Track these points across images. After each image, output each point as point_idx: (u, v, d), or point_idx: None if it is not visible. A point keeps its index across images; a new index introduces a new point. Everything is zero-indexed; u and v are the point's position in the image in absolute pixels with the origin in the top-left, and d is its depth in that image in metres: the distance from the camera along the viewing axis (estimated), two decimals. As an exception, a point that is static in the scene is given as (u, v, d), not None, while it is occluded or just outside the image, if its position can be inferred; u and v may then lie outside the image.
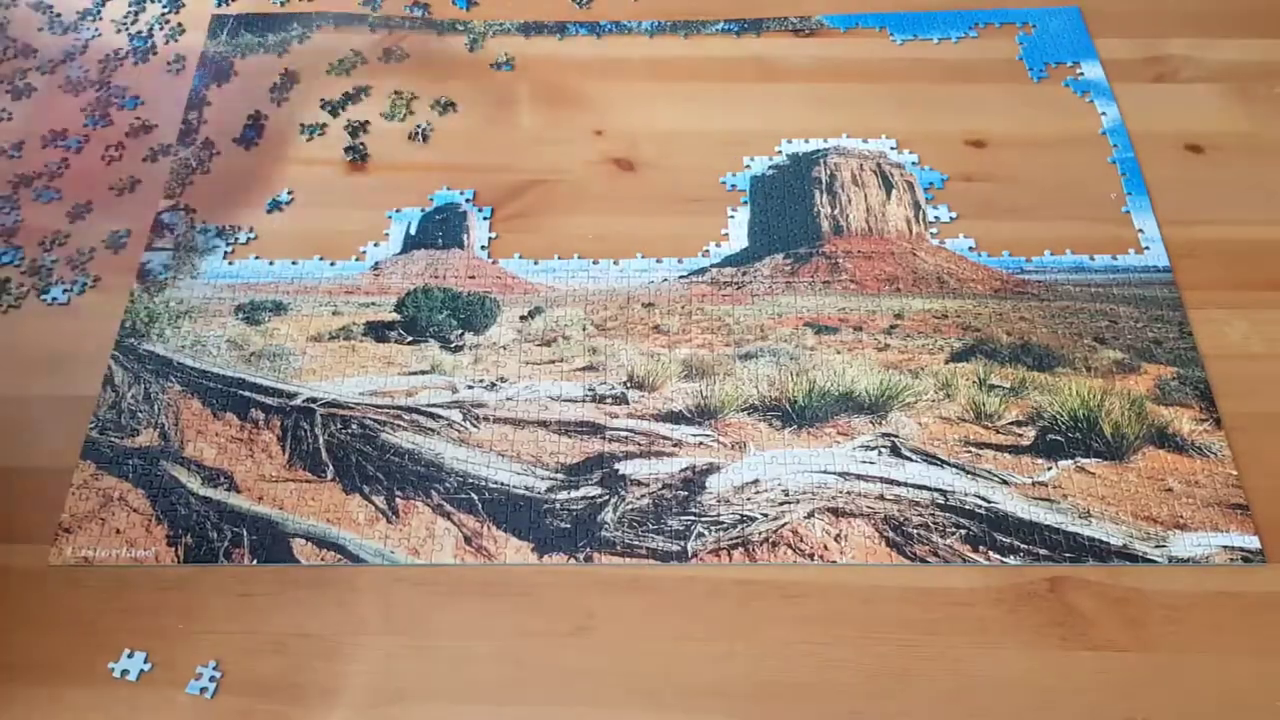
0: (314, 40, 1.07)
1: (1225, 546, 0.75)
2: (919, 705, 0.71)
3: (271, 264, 0.91)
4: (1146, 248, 0.91)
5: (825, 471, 0.79)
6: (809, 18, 1.09)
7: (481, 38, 1.08)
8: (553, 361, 0.85)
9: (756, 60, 1.06)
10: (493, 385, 0.84)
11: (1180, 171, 0.96)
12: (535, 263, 0.91)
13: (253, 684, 0.72)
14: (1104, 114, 1.00)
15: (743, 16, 1.09)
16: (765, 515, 0.77)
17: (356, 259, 0.92)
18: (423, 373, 0.85)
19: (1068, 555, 0.75)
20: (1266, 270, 0.90)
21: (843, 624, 0.73)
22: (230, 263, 0.91)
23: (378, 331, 0.87)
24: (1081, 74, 1.03)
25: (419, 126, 1.00)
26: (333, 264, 0.91)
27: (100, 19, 1.09)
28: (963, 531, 0.76)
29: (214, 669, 0.72)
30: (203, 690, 0.71)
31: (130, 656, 0.72)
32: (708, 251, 0.92)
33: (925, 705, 0.71)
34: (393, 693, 0.71)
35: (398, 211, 0.95)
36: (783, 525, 0.76)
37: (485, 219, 0.94)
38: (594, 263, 0.91)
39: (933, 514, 0.77)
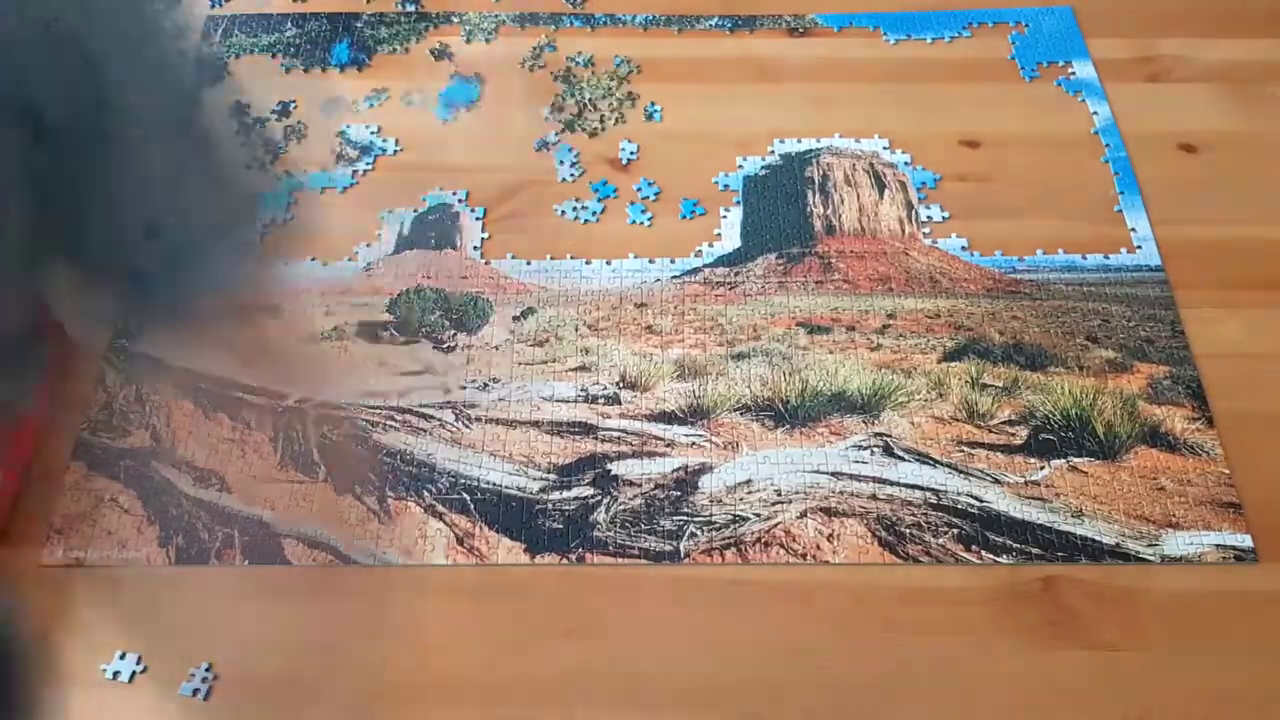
0: (308, 39, 1.07)
1: (1218, 545, 0.75)
2: (912, 705, 0.71)
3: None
4: (1139, 247, 0.91)
5: (818, 471, 0.79)
6: (803, 16, 1.09)
7: (477, 30, 1.08)
8: (545, 362, 0.85)
9: (750, 60, 1.06)
10: (485, 385, 0.84)
11: (1173, 171, 0.96)
12: (528, 263, 0.91)
13: (246, 685, 0.71)
14: (1096, 113, 1.00)
15: (736, 13, 1.09)
16: (758, 515, 0.77)
17: (349, 260, 0.92)
18: (415, 373, 0.85)
19: (1060, 554, 0.75)
20: (1259, 270, 0.90)
21: (835, 624, 0.73)
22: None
23: (370, 332, 0.87)
24: (1074, 73, 1.03)
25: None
26: (325, 264, 0.91)
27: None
28: (955, 531, 0.76)
29: (206, 670, 0.72)
30: (195, 692, 0.71)
31: (122, 658, 0.72)
32: (700, 251, 0.92)
33: (919, 705, 0.71)
34: (386, 694, 0.71)
35: (390, 212, 0.95)
36: (775, 525, 0.76)
37: (478, 219, 0.94)
38: (586, 263, 0.91)
39: (925, 513, 0.77)
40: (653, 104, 1.02)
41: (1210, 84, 1.02)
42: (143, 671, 0.72)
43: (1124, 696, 0.71)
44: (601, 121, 1.00)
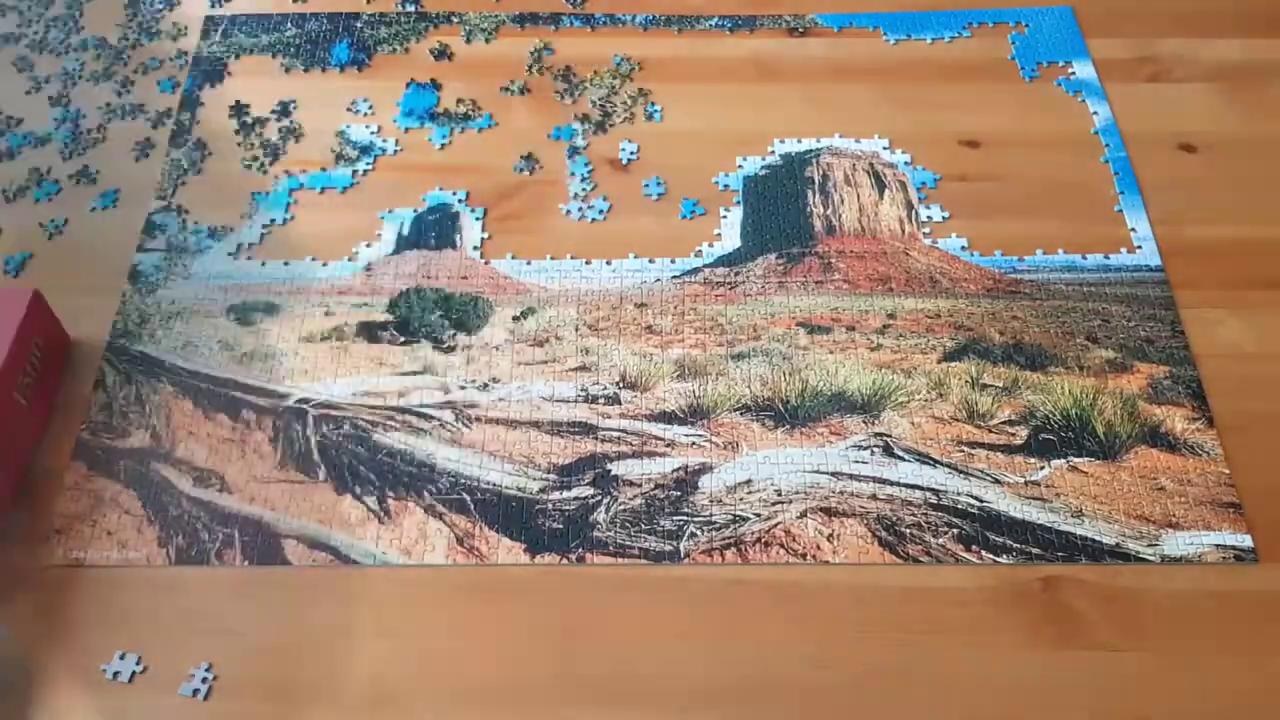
0: (308, 39, 1.07)
1: (1217, 545, 0.75)
2: (913, 705, 0.71)
3: (264, 264, 0.91)
4: (1139, 246, 0.91)
5: (818, 471, 0.79)
6: (803, 16, 1.09)
7: (477, 30, 1.08)
8: (545, 362, 0.85)
9: (750, 60, 1.06)
10: (485, 386, 0.84)
11: (1173, 171, 0.97)
12: (528, 263, 0.91)
13: (245, 685, 0.71)
14: (1096, 113, 1.00)
15: (737, 13, 1.09)
16: (758, 515, 0.77)
17: (349, 259, 0.92)
18: (415, 373, 0.85)
19: (1060, 554, 0.75)
20: (1259, 269, 0.90)
21: (836, 624, 0.73)
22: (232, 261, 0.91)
23: (370, 332, 0.87)
24: (1074, 74, 1.03)
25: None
26: (325, 264, 0.91)
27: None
28: (955, 531, 0.76)
29: (206, 670, 0.72)
30: (195, 692, 0.71)
31: (122, 658, 0.72)
32: (700, 251, 0.92)
33: (919, 705, 0.71)
34: (386, 693, 0.71)
35: (390, 212, 0.94)
36: (775, 525, 0.76)
37: (478, 219, 0.94)
38: (586, 263, 0.91)
39: (925, 513, 0.77)
40: (652, 104, 1.02)
41: (1210, 84, 1.03)
42: (142, 672, 0.72)
43: (1124, 696, 0.71)
44: (607, 116, 1.00)
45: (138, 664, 0.72)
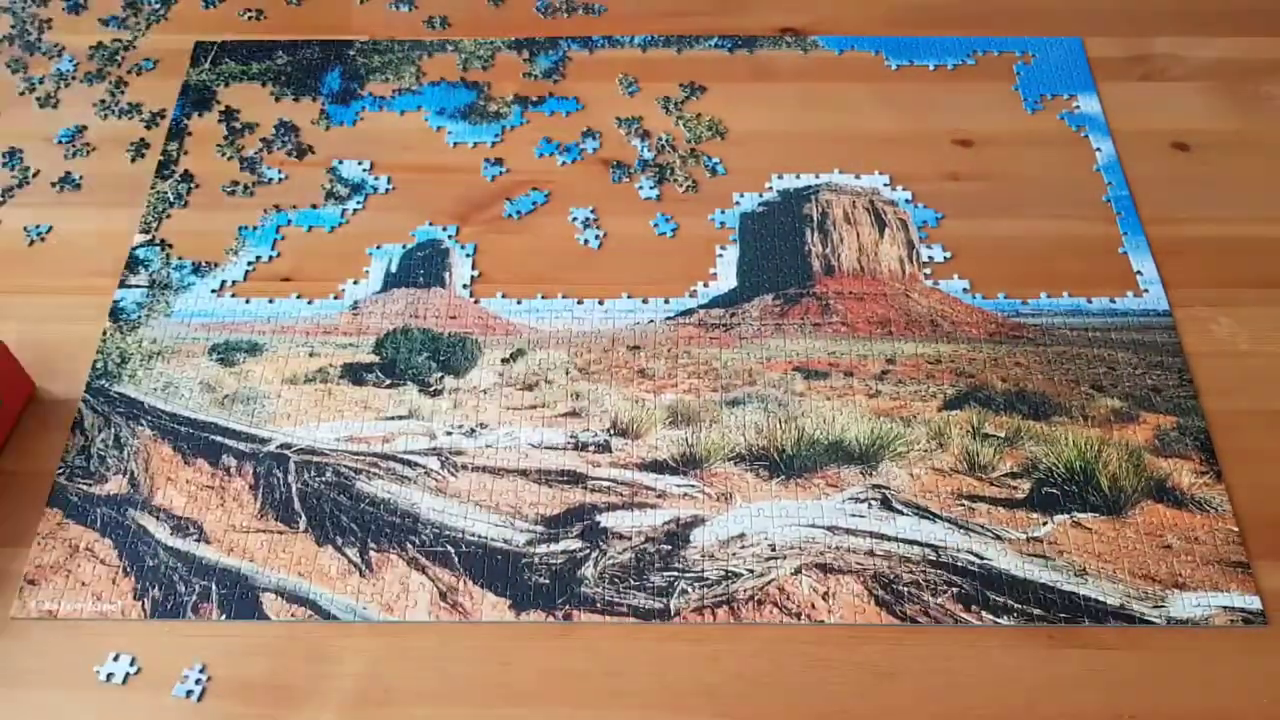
0: (299, 68, 1.05)
1: (1225, 607, 0.73)
2: (907, 704, 0.70)
3: (247, 302, 0.89)
4: (1145, 290, 0.89)
5: (814, 525, 0.76)
6: (804, 38, 1.07)
7: (473, 58, 1.05)
8: (534, 407, 0.83)
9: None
10: (472, 431, 0.82)
11: (1167, 169, 0.96)
12: (518, 302, 0.89)
13: (240, 687, 0.71)
14: (1099, 150, 0.97)
15: (737, 34, 1.07)
16: (751, 571, 0.74)
17: (335, 297, 0.89)
18: (400, 418, 0.82)
19: (1063, 616, 0.72)
20: (1253, 267, 0.90)
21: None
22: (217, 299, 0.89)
23: (355, 374, 0.85)
24: (1078, 108, 1.01)
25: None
26: (310, 302, 0.89)
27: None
28: (955, 590, 0.74)
29: (200, 671, 0.71)
30: (189, 694, 0.71)
31: (116, 660, 0.72)
32: (695, 292, 0.90)
33: (913, 704, 0.70)
34: (380, 695, 0.70)
35: (378, 248, 0.92)
36: (769, 582, 0.74)
37: (468, 256, 0.92)
38: (578, 303, 0.89)
39: (924, 571, 0.74)
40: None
41: (1203, 82, 1.02)
42: (136, 674, 0.71)
43: (1119, 696, 0.70)
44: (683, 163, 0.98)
45: (131, 665, 0.71)
